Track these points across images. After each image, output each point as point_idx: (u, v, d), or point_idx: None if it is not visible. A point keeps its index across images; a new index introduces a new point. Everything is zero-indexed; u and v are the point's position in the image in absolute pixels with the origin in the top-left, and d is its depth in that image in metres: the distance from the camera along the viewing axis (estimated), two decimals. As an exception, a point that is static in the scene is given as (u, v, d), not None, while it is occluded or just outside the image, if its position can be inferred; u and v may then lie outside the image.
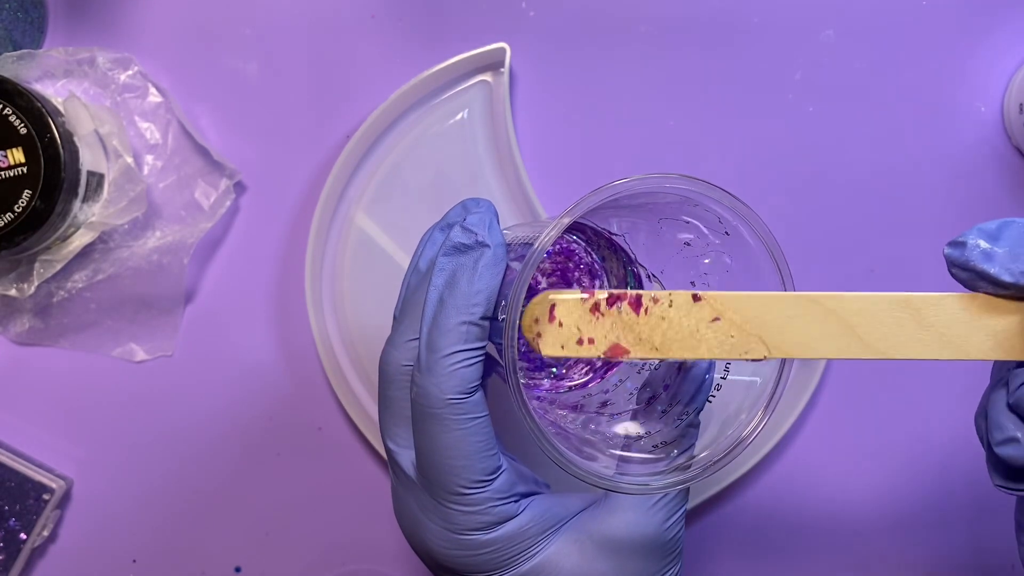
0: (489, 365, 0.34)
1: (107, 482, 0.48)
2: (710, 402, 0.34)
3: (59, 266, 0.44)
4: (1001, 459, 0.29)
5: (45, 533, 0.47)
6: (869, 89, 0.46)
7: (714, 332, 0.30)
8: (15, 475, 0.46)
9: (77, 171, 0.43)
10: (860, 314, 0.30)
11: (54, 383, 0.48)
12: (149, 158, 0.47)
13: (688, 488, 0.34)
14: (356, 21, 0.47)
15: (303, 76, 0.47)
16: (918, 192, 0.47)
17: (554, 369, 0.38)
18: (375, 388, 0.46)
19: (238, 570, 0.49)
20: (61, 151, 0.41)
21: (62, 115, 0.43)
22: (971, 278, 0.29)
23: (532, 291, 0.33)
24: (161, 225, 0.47)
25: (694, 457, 0.33)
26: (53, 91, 0.46)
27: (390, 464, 0.35)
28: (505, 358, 0.30)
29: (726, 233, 0.32)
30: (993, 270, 0.28)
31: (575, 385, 0.38)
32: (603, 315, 0.30)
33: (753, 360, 0.30)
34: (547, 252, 0.34)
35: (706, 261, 0.34)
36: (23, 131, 0.41)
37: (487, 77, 0.46)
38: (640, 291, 0.30)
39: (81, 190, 0.43)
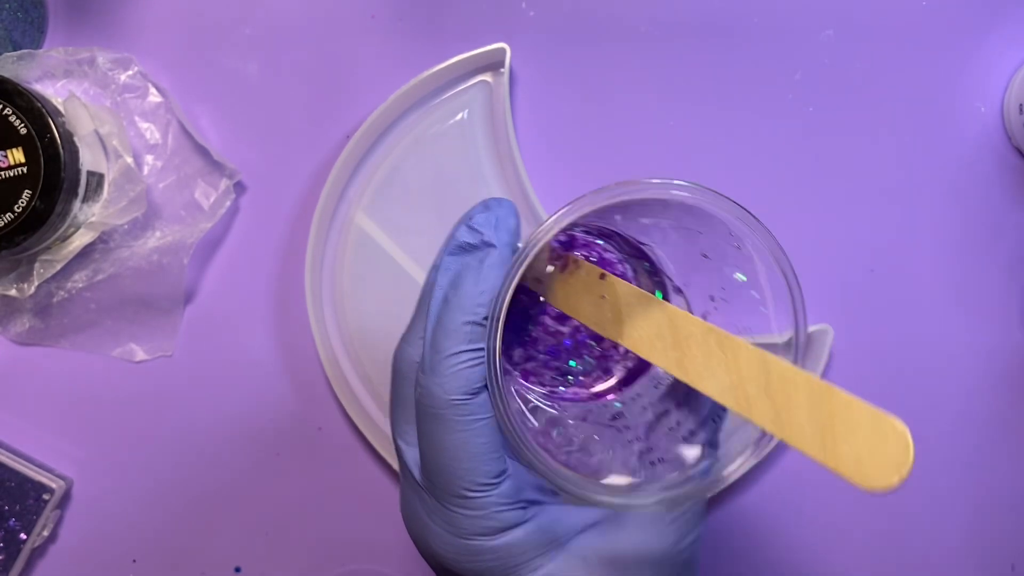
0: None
1: (107, 482, 0.48)
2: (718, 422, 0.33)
3: (59, 266, 0.44)
4: None
5: (45, 533, 0.47)
6: (869, 89, 0.46)
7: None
8: (15, 475, 0.46)
9: (77, 171, 0.43)
10: None
11: (54, 383, 0.48)
12: (149, 158, 0.47)
13: (705, 507, 0.32)
14: (356, 21, 0.47)
15: (303, 76, 0.47)
16: (918, 192, 0.47)
17: (570, 377, 0.38)
18: (375, 388, 0.46)
19: (238, 570, 0.49)
20: (61, 151, 0.41)
21: (62, 115, 0.43)
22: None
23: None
24: (161, 225, 0.47)
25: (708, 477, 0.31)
26: (53, 91, 0.46)
27: (399, 463, 0.34)
28: (488, 356, 0.29)
29: (737, 247, 0.31)
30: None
31: (592, 394, 0.38)
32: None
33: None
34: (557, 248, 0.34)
35: (728, 273, 0.33)
36: (23, 131, 0.41)
37: (487, 77, 0.46)
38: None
39: (81, 190, 0.43)
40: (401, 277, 0.45)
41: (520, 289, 0.33)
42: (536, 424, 0.34)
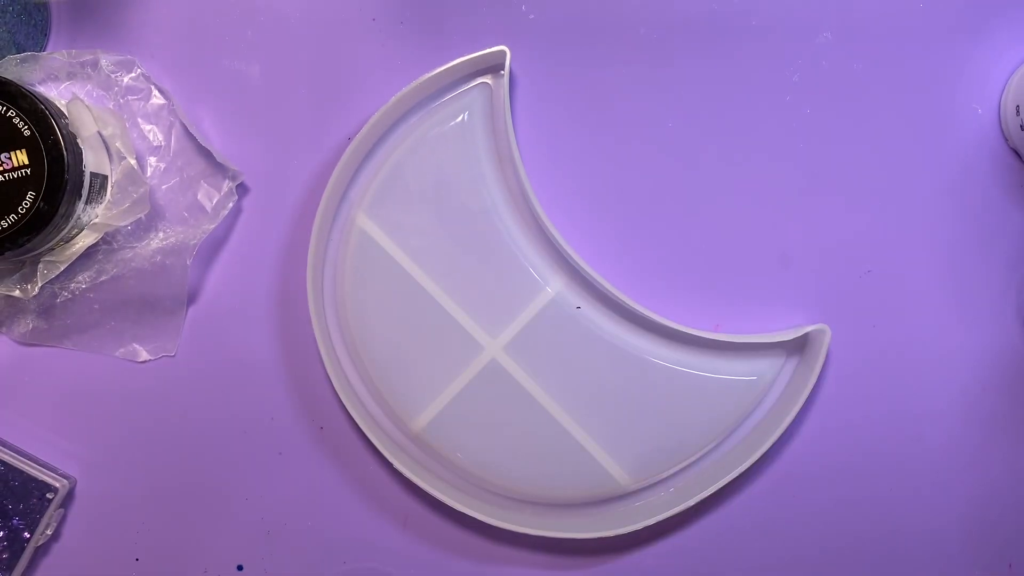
0: None
1: (110, 481, 0.49)
2: None
3: (62, 267, 0.44)
4: None
5: (48, 532, 0.47)
6: (866, 91, 0.47)
7: None
8: (19, 474, 0.47)
9: (80, 173, 0.43)
10: None
11: (58, 383, 0.48)
12: (152, 160, 0.47)
13: None
14: (357, 24, 0.47)
15: (305, 78, 0.47)
16: (915, 193, 0.47)
17: None
18: (376, 387, 0.46)
19: (240, 568, 0.49)
20: (65, 153, 0.41)
21: (65, 117, 0.43)
22: None
23: None
24: (164, 226, 0.47)
25: None
26: (56, 93, 0.46)
27: None
28: None
29: None
30: None
31: None
32: None
33: None
34: None
35: None
36: (27, 133, 0.41)
37: (487, 80, 0.46)
38: None
39: (84, 192, 0.43)
40: (402, 277, 0.45)
41: None
42: None
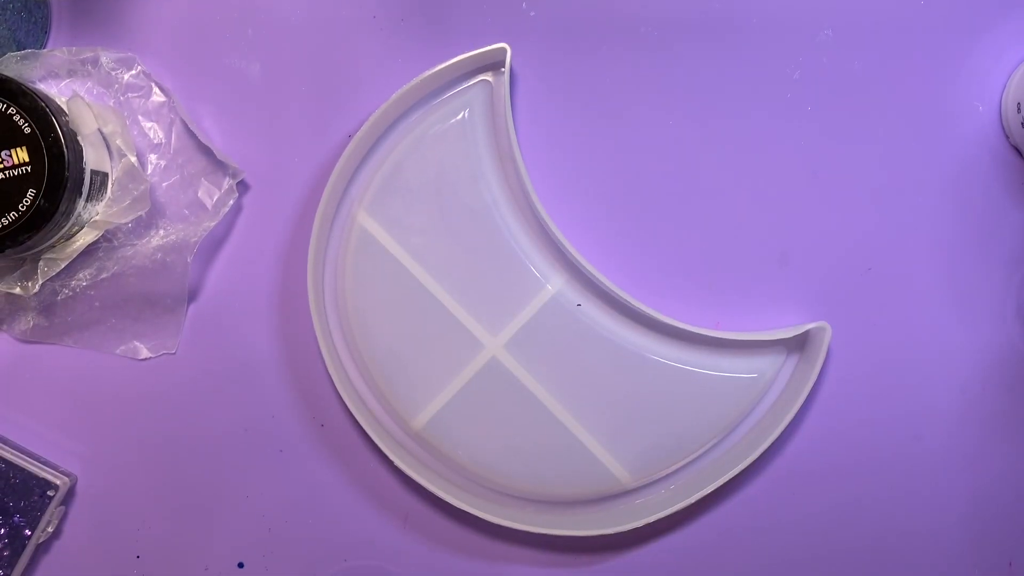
0: None
1: (111, 479, 0.49)
2: None
3: (63, 264, 0.44)
4: None
5: (50, 529, 0.47)
6: (867, 88, 0.47)
7: None
8: (20, 471, 0.47)
9: (81, 170, 0.43)
10: None
11: (58, 380, 0.48)
12: (152, 157, 0.47)
13: None
14: (357, 21, 0.47)
15: (305, 76, 0.47)
16: (916, 191, 0.47)
17: None
18: (377, 385, 0.46)
19: (241, 566, 0.49)
20: (65, 150, 0.41)
21: (66, 114, 0.43)
22: None
23: None
24: (165, 224, 0.47)
25: None
26: (57, 91, 0.46)
27: None
28: None
29: None
30: None
31: None
32: None
33: None
34: None
35: None
36: (27, 130, 0.41)
37: (488, 77, 0.46)
38: None
39: (85, 189, 0.43)
40: (402, 275, 0.45)
41: None
42: None
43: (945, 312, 0.47)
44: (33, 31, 0.46)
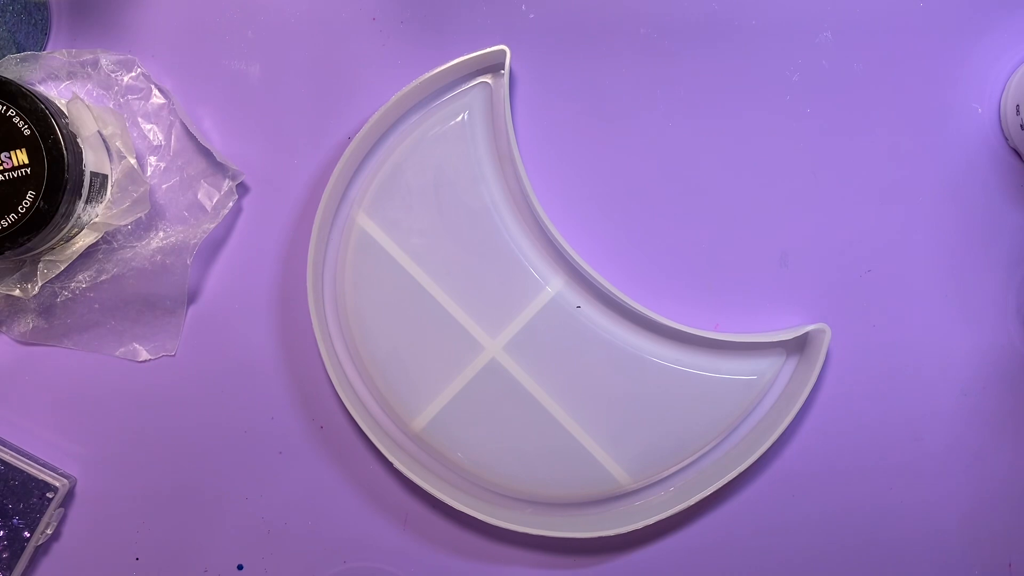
0: None
1: (110, 480, 0.49)
2: None
3: (63, 266, 0.45)
4: None
5: (49, 531, 0.47)
6: (866, 90, 0.47)
7: None
8: (19, 473, 0.47)
9: (81, 172, 0.43)
10: None
11: (58, 382, 0.48)
12: (152, 159, 0.47)
13: None
14: (357, 23, 0.47)
15: (305, 78, 0.47)
16: (915, 193, 0.47)
17: None
18: (376, 386, 0.46)
19: (240, 568, 0.49)
20: (65, 152, 0.42)
21: (65, 117, 0.43)
22: None
23: None
24: (164, 226, 0.47)
25: None
26: (57, 93, 0.46)
27: None
28: None
29: None
30: None
31: None
32: None
33: None
34: None
35: None
36: (27, 132, 0.41)
37: (487, 79, 0.46)
38: None
39: (85, 191, 0.43)
40: (402, 276, 0.45)
41: None
42: None
43: (945, 313, 0.47)
44: (33, 33, 0.46)
